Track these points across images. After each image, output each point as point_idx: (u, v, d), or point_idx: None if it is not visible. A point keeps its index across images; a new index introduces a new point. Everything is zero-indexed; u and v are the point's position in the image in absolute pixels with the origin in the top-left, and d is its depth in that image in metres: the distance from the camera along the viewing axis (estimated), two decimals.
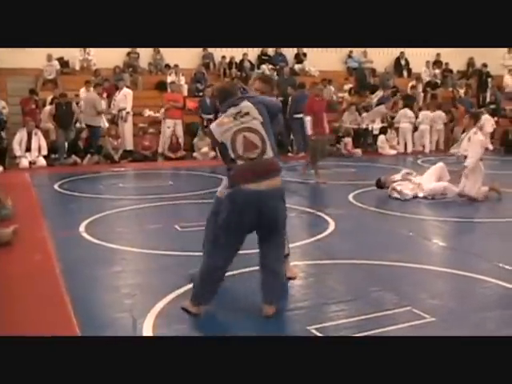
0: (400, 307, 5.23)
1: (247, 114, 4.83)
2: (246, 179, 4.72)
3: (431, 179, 10.60)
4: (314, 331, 4.67)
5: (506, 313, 5.28)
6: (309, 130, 12.19)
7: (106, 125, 16.12)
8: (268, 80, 5.98)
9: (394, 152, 17.75)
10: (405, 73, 22.87)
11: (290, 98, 16.45)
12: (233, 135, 4.75)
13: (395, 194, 10.26)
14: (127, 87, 17.18)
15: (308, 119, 12.16)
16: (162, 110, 16.93)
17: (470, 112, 11.71)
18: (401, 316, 5.04)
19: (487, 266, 6.53)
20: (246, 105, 4.89)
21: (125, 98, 16.55)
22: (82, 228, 7.99)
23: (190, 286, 5.45)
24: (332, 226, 8.17)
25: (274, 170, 4.86)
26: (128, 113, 16.63)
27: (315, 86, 14.09)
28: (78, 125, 15.79)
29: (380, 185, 10.59)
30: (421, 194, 10.34)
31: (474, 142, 10.29)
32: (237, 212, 4.78)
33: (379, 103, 19.01)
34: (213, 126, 4.94)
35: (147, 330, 4.70)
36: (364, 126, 18.38)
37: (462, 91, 21.09)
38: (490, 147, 17.93)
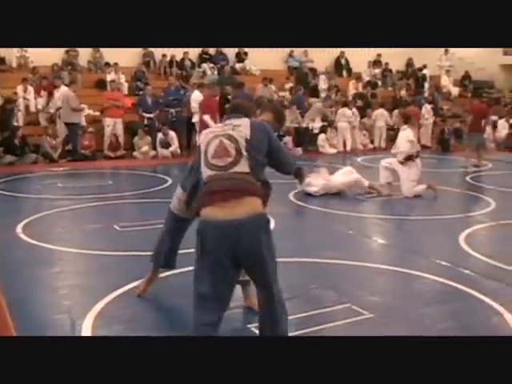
0: (339, 304, 5.30)
1: (238, 126, 4.13)
2: (212, 200, 3.89)
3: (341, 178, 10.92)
4: (253, 329, 4.69)
5: (443, 308, 5.42)
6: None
7: (84, 123, 16.06)
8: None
9: (334, 151, 17.88)
10: (345, 72, 23.14)
11: (230, 97, 16.45)
12: (210, 139, 4.11)
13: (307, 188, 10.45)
14: (65, 85, 16.88)
15: (207, 117, 12.09)
16: None
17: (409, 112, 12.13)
18: (340, 313, 5.10)
19: (425, 263, 6.67)
20: (244, 120, 4.22)
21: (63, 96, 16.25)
22: (19, 229, 7.83)
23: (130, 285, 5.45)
24: (272, 224, 8.16)
25: (248, 188, 3.96)
26: None
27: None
28: (15, 124, 15.46)
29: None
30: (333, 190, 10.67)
31: (402, 138, 10.89)
32: (208, 252, 3.88)
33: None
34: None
35: (86, 331, 4.65)
36: (304, 125, 18.48)
37: (403, 91, 21.52)
38: (426, 143, 18.53)
